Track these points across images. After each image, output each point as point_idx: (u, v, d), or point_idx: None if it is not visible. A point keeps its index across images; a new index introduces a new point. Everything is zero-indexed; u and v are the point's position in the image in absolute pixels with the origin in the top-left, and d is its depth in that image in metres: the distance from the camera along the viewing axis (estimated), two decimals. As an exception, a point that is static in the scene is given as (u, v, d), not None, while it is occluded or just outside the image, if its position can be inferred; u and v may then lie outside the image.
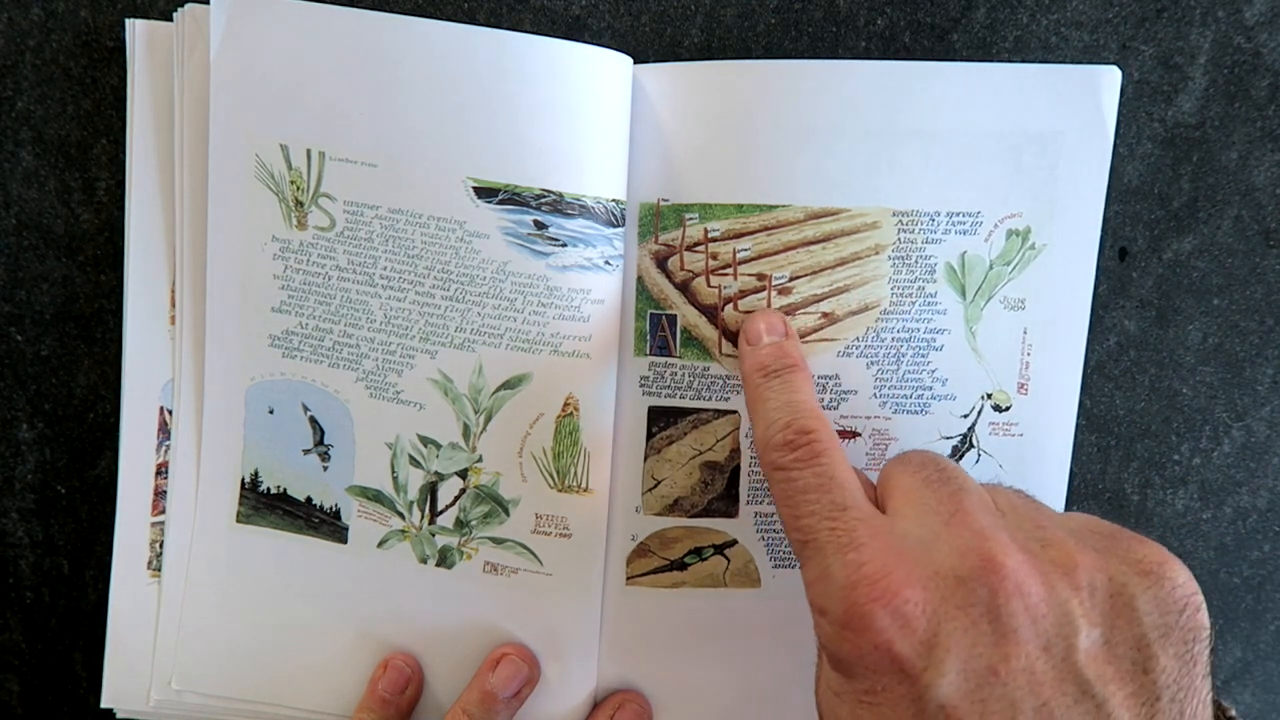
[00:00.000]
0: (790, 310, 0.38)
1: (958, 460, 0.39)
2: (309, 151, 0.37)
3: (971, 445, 0.39)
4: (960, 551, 0.27)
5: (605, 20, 0.39)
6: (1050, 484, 0.40)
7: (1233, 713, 0.27)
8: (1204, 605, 0.27)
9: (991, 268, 0.38)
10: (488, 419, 0.38)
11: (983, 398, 0.39)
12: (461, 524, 0.39)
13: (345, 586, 0.40)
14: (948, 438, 0.39)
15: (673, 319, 0.39)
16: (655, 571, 0.40)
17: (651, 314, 0.39)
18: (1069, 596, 0.26)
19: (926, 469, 0.31)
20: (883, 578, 0.26)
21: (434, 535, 0.40)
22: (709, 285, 0.38)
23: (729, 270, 0.38)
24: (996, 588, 0.26)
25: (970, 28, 0.39)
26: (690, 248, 0.38)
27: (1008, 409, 0.39)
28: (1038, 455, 0.39)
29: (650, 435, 0.39)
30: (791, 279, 0.38)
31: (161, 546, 0.41)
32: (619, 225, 0.37)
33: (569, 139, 0.36)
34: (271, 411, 0.40)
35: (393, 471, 0.39)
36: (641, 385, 0.39)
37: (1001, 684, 0.25)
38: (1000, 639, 0.26)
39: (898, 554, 0.27)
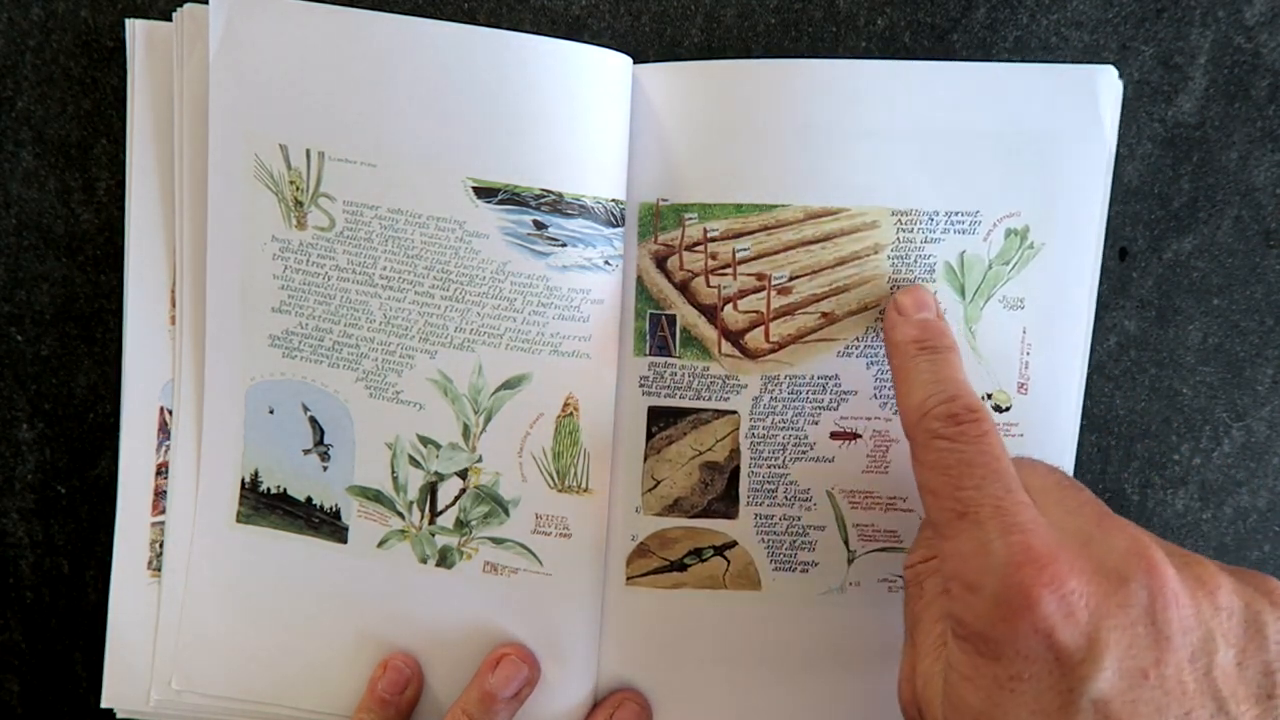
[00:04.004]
0: (789, 310, 0.38)
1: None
2: (308, 151, 0.37)
3: (971, 445, 0.39)
4: (1121, 553, 0.28)
5: (605, 20, 0.39)
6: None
7: None
8: None
9: (990, 267, 0.38)
10: (487, 419, 0.38)
11: (982, 398, 0.39)
12: (461, 524, 0.39)
13: (345, 586, 0.40)
14: (947, 438, 0.39)
15: (672, 319, 0.38)
16: (655, 572, 0.40)
17: (651, 314, 0.39)
18: (1211, 615, 0.27)
19: (1056, 473, 0.32)
20: (1050, 563, 0.27)
21: (434, 535, 0.40)
22: (708, 285, 0.38)
23: (728, 270, 0.38)
24: (1156, 593, 0.27)
25: (970, 28, 0.39)
26: (690, 247, 0.38)
27: (1008, 409, 0.39)
28: (1039, 456, 0.39)
29: (650, 435, 0.39)
30: (791, 279, 0.38)
31: (161, 546, 0.41)
32: (618, 225, 0.37)
33: (569, 139, 0.36)
34: (271, 411, 0.40)
35: (393, 471, 0.39)
36: (641, 385, 0.39)
37: (1151, 687, 0.26)
38: (1154, 643, 0.26)
39: (1059, 543, 0.27)
